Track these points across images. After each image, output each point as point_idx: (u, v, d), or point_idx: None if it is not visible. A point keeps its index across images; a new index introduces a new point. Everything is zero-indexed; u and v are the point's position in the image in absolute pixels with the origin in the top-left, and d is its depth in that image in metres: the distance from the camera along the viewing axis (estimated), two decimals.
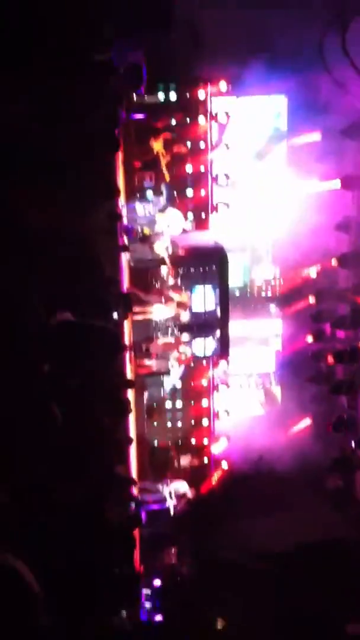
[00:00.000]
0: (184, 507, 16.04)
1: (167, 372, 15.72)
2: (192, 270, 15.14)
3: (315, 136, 16.04)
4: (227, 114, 15.10)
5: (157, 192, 14.87)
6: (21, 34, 10.73)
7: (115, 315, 13.97)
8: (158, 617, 15.73)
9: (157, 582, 15.86)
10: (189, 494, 16.12)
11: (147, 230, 14.55)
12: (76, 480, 13.41)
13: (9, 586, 8.41)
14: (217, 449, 16.71)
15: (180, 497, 15.94)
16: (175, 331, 15.30)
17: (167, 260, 14.67)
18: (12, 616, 8.13)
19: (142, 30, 13.01)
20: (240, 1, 14.31)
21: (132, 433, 15.27)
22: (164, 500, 15.83)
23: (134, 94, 13.86)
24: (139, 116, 14.02)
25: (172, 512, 15.85)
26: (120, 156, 13.52)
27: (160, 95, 14.28)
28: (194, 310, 15.22)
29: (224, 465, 16.68)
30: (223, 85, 14.80)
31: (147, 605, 15.71)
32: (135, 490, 15.27)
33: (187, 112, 14.77)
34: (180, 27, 13.56)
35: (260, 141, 15.88)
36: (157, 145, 14.42)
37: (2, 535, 9.52)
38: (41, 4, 10.82)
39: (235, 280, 16.40)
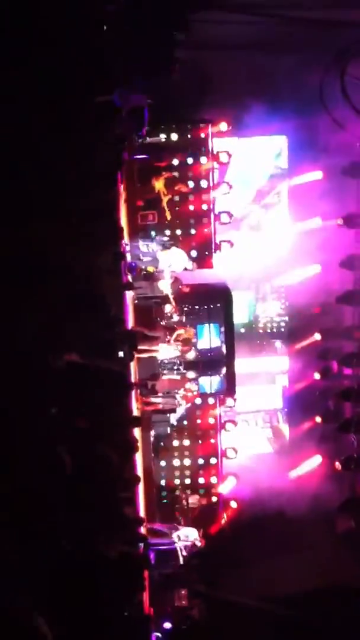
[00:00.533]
0: (192, 549, 15.81)
1: (174, 410, 15.66)
2: (197, 308, 15.24)
3: (317, 175, 16.28)
4: (228, 153, 15.36)
5: (160, 231, 15.04)
6: (23, 72, 10.97)
7: (120, 354, 14.00)
8: None
9: (167, 625, 15.54)
10: (199, 542, 15.87)
11: (150, 268, 14.67)
12: (84, 521, 13.29)
13: None
14: (225, 488, 16.53)
15: (190, 546, 15.72)
16: (181, 369, 15.30)
17: (171, 298, 14.75)
18: None
19: (144, 72, 13.31)
20: (241, 44, 14.64)
21: (140, 472, 15.15)
22: (173, 542, 15.62)
23: (136, 136, 14.13)
24: (141, 157, 14.28)
25: (181, 554, 15.60)
26: (123, 195, 13.71)
27: (162, 136, 14.58)
28: (199, 348, 15.26)
29: (233, 504, 16.46)
30: (224, 126, 15.10)
31: None
32: (143, 530, 15.08)
33: (188, 153, 15.00)
34: (182, 68, 13.85)
35: (262, 180, 16.11)
36: (159, 184, 14.63)
37: (11, 577, 9.46)
38: (44, 43, 11.04)
39: (240, 317, 16.44)
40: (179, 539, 15.55)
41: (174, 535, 15.60)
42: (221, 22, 13.93)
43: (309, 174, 16.25)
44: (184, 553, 15.68)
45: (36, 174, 12.06)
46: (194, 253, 15.51)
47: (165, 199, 14.68)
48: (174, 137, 14.70)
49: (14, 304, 11.68)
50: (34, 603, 8.92)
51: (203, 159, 15.13)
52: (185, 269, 15.19)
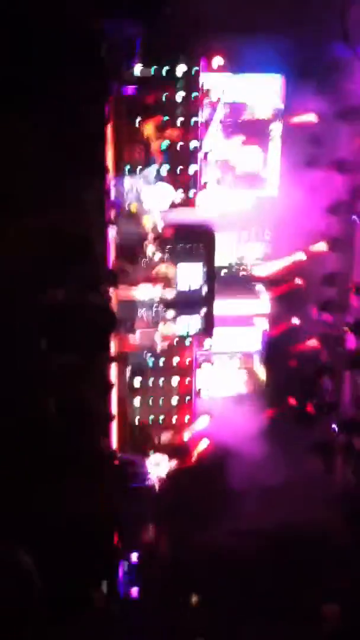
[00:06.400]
0: (162, 483, 16.19)
1: (151, 349, 15.75)
2: (179, 246, 15.16)
3: (311, 117, 15.85)
4: (221, 91, 14.89)
5: (146, 167, 14.68)
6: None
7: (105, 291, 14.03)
8: (134, 591, 15.95)
9: (134, 557, 16.06)
10: (168, 466, 16.27)
11: (134, 206, 14.44)
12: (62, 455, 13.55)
13: (13, 580, 8.50)
14: (198, 426, 16.78)
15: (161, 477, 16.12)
16: (160, 308, 15.29)
17: (154, 236, 14.61)
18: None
19: (137, 2, 12.80)
20: None
21: (114, 409, 15.36)
22: (144, 475, 16.00)
23: (126, 67, 13.62)
24: (130, 90, 13.79)
25: (152, 488, 16.03)
26: (109, 131, 13.37)
27: (152, 70, 14.04)
28: (179, 288, 15.25)
29: (205, 442, 16.76)
30: (218, 60, 14.57)
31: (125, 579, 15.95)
32: (116, 463, 15.44)
33: (178, 88, 14.49)
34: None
35: (254, 120, 15.65)
36: (148, 129, 14.26)
37: None
38: None
39: (221, 260, 16.28)
40: (150, 465, 15.95)
41: (145, 463, 15.99)
42: None
43: (303, 116, 15.81)
44: (155, 483, 16.10)
45: (17, 103, 11.75)
46: (179, 191, 15.17)
47: (154, 144, 14.35)
48: (165, 70, 14.15)
49: None
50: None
51: (194, 95, 14.62)
52: (173, 204, 14.98)
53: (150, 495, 16.17)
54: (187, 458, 16.78)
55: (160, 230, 14.76)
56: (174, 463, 16.34)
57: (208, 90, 14.82)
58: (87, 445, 14.23)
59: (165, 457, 16.25)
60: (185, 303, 15.40)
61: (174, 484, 16.39)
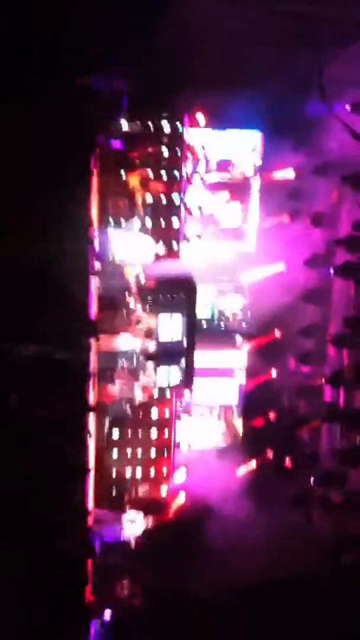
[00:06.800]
0: (138, 539, 15.88)
1: (131, 400, 15.59)
2: (160, 297, 15.16)
3: (289, 172, 16.19)
4: (202, 147, 15.17)
5: (130, 219, 14.76)
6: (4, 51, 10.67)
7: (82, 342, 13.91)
8: None
9: (107, 614, 15.61)
10: (144, 523, 15.98)
11: (117, 256, 14.48)
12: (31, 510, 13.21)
13: None
14: (175, 479, 16.55)
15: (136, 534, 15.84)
16: (141, 358, 15.22)
17: (136, 287, 14.64)
18: None
19: (124, 59, 13.01)
20: (221, 35, 14.33)
21: (91, 461, 15.06)
22: (119, 531, 15.68)
23: (113, 121, 13.80)
24: (116, 144, 13.95)
25: (128, 544, 15.71)
26: (95, 182, 13.44)
27: (138, 124, 14.25)
28: (160, 339, 15.19)
29: (181, 496, 16.52)
30: (200, 117, 14.88)
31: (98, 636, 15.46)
32: (90, 521, 15.06)
33: (163, 143, 14.73)
34: (160, 56, 13.55)
35: (235, 175, 15.90)
36: (133, 181, 14.41)
37: None
38: (25, 27, 10.77)
39: (202, 311, 16.32)
40: (126, 523, 15.62)
41: (121, 521, 15.67)
42: (203, 11, 13.64)
43: (282, 171, 16.15)
44: (131, 541, 15.77)
45: (7, 153, 11.76)
46: (161, 243, 15.27)
47: (138, 196, 14.49)
48: (150, 124, 14.38)
49: None
50: None
51: (177, 150, 14.86)
52: (156, 256, 15.06)
53: (125, 551, 15.81)
54: (164, 512, 16.48)
55: (142, 281, 14.78)
56: (150, 520, 16.05)
57: (191, 145, 15.07)
58: (62, 501, 13.94)
59: (141, 514, 15.94)
60: (166, 354, 15.32)
61: (150, 539, 16.07)
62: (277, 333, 17.00)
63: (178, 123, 14.68)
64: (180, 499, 16.57)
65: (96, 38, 11.91)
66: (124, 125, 14.07)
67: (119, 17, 12.25)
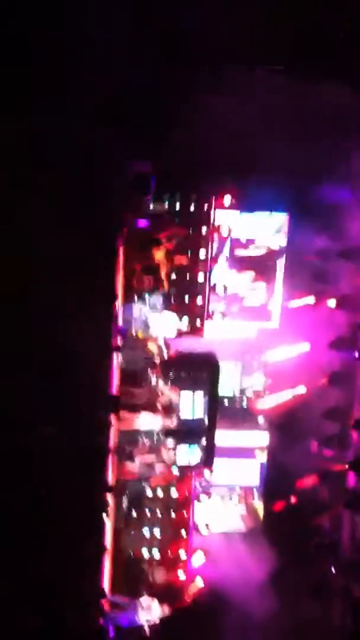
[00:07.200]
0: (154, 625, 15.33)
1: (150, 478, 15.35)
2: (182, 375, 15.13)
3: (313, 254, 16.36)
4: (229, 227, 15.42)
5: (155, 296, 14.92)
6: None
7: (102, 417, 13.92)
8: None
9: None
10: (160, 610, 15.45)
11: (140, 333, 14.57)
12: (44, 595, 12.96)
13: None
14: (193, 564, 16.07)
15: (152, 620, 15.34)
16: (161, 436, 15.07)
17: (159, 363, 14.67)
18: None
19: (153, 141, 13.44)
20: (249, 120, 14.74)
21: (108, 541, 14.74)
22: (134, 616, 15.18)
23: (141, 201, 14.14)
24: (143, 223, 14.26)
25: (142, 630, 15.16)
26: (121, 259, 13.72)
27: (166, 205, 14.60)
28: (181, 417, 15.08)
29: (199, 582, 16.01)
30: (227, 199, 15.20)
31: None
32: (105, 605, 14.63)
33: (190, 223, 15.04)
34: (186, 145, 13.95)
35: (260, 255, 16.09)
36: (159, 254, 14.64)
37: None
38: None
39: (224, 389, 16.21)
40: (141, 609, 15.15)
41: (136, 606, 15.21)
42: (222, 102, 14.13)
43: (306, 253, 16.32)
44: (146, 627, 15.26)
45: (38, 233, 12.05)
46: (185, 319, 15.37)
47: (163, 270, 14.70)
48: (177, 206, 14.75)
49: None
50: None
51: (203, 230, 15.15)
52: (179, 332, 15.09)
53: (140, 637, 15.24)
54: (180, 599, 15.94)
55: (165, 357, 14.80)
56: (165, 607, 15.51)
57: (218, 226, 15.36)
58: (77, 586, 13.66)
59: (156, 601, 15.43)
60: (187, 432, 15.18)
61: (166, 626, 15.50)
62: (300, 414, 16.78)
63: (206, 205, 15.03)
64: (198, 584, 16.03)
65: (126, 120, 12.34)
66: (151, 205, 14.39)
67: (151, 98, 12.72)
